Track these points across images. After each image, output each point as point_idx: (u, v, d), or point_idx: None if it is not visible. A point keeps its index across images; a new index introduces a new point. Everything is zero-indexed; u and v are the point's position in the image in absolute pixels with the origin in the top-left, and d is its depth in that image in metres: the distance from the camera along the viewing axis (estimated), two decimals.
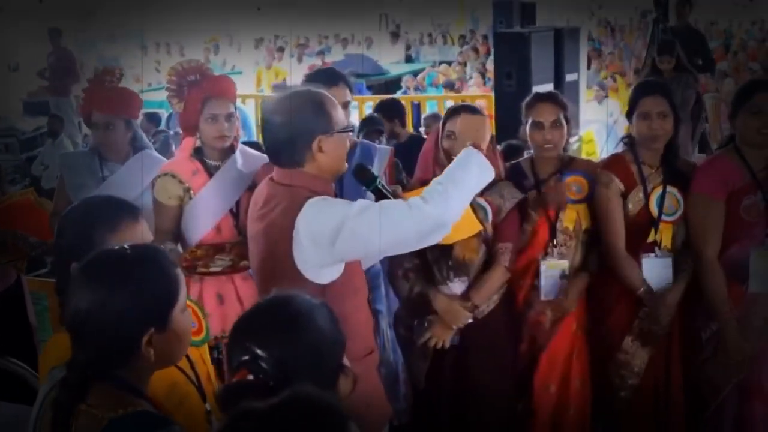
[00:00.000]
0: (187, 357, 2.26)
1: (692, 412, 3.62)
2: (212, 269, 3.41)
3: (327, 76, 3.54)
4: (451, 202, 2.56)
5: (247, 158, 3.60)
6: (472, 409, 3.48)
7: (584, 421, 3.67)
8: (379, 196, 2.67)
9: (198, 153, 3.59)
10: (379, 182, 2.69)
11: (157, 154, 4.10)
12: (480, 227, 3.11)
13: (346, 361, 1.87)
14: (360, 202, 2.53)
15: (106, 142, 3.98)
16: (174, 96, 3.60)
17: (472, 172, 2.65)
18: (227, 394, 1.75)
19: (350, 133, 2.70)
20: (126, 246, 1.87)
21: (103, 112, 3.93)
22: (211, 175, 3.55)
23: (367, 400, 2.24)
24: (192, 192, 3.53)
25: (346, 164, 2.70)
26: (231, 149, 3.60)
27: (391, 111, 6.59)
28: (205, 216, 3.52)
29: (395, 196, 2.68)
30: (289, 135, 2.57)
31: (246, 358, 1.75)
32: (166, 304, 1.83)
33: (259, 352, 1.74)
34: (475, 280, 3.45)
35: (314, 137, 2.55)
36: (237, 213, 3.54)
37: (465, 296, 3.43)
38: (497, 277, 3.45)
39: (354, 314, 2.59)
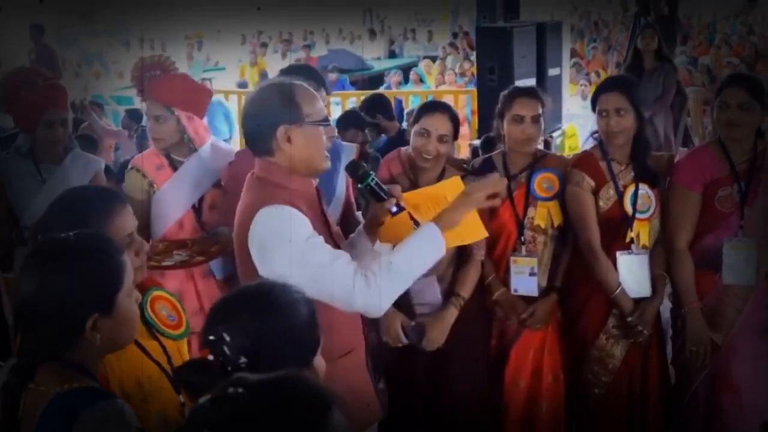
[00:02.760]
0: (165, 350, 2.26)
1: (669, 404, 3.63)
2: (165, 263, 3.36)
3: (304, 71, 3.55)
4: (394, 296, 2.53)
5: (215, 154, 3.58)
6: (448, 403, 3.49)
7: (558, 416, 3.64)
8: (373, 194, 2.65)
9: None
10: (373, 180, 2.63)
11: (86, 153, 4.11)
12: (486, 234, 2.99)
13: (318, 359, 1.85)
14: (316, 239, 2.47)
15: (57, 140, 3.95)
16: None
17: (427, 257, 2.56)
18: (183, 370, 1.79)
19: (327, 128, 2.66)
20: (71, 234, 1.89)
21: (60, 108, 3.93)
22: (176, 170, 3.54)
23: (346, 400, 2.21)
24: (156, 186, 3.51)
25: (328, 162, 2.64)
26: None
27: (375, 106, 6.56)
28: (167, 211, 3.51)
29: (389, 195, 2.64)
30: (256, 123, 2.57)
31: (212, 338, 1.78)
32: (110, 290, 1.86)
33: (224, 335, 1.76)
34: (457, 275, 3.48)
35: (278, 126, 2.52)
36: (200, 209, 3.53)
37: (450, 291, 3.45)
38: (476, 271, 3.49)
39: (330, 309, 2.52)
